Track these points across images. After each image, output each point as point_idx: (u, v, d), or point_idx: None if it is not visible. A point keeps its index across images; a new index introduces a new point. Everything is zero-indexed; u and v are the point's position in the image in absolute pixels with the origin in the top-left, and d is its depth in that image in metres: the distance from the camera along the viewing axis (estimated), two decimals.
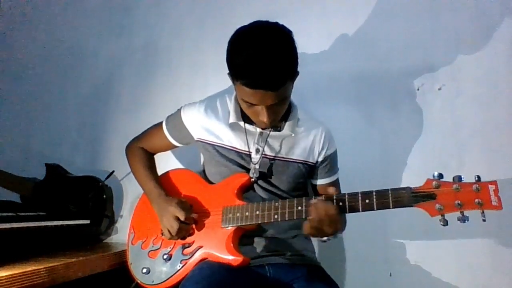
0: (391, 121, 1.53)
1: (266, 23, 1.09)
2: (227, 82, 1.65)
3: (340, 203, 1.04)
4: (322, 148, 1.28)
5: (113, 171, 1.66)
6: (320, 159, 1.28)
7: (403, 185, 1.02)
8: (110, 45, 1.88)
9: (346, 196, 1.04)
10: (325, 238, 1.09)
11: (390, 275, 1.46)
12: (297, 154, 1.26)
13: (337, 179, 1.34)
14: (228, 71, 1.12)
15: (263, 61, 1.02)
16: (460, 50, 1.49)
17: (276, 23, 1.10)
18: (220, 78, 1.68)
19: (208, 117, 1.29)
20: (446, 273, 1.41)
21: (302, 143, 1.27)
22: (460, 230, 1.37)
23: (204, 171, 1.37)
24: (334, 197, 1.05)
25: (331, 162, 1.30)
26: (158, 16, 1.84)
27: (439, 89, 1.50)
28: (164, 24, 1.83)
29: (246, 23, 1.12)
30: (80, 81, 1.89)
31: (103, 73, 1.87)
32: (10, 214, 1.34)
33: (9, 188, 1.61)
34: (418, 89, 1.52)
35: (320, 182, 1.31)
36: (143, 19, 1.86)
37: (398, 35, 1.56)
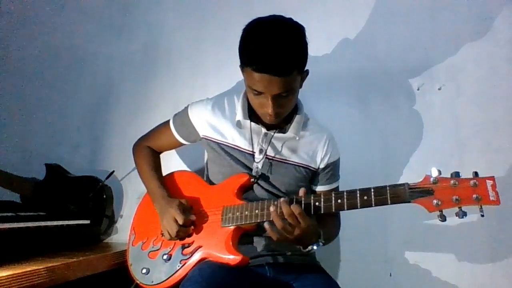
0: (391, 121, 1.53)
1: (281, 17, 1.12)
2: (227, 82, 1.70)
3: (339, 201, 1.04)
4: (325, 155, 1.28)
5: (113, 171, 1.66)
6: (322, 166, 1.28)
7: None
8: (109, 45, 1.88)
9: (345, 193, 1.05)
10: (309, 248, 1.10)
11: (390, 275, 1.46)
12: (300, 157, 1.26)
13: (337, 187, 1.33)
14: (240, 64, 1.14)
15: (272, 46, 1.05)
16: (460, 50, 1.49)
17: (291, 18, 1.13)
18: (220, 78, 1.70)
19: (214, 115, 1.30)
20: (446, 273, 1.41)
21: (305, 147, 1.27)
22: (460, 230, 1.38)
23: (206, 169, 1.37)
24: (333, 194, 1.06)
25: (333, 169, 1.30)
26: (158, 16, 1.84)
27: (439, 89, 1.50)
28: (164, 24, 1.83)
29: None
30: (80, 81, 1.89)
31: (103, 73, 1.87)
32: (10, 214, 1.34)
33: (9, 188, 1.60)
34: (418, 89, 1.52)
35: (319, 188, 1.31)
36: (143, 19, 1.86)
37: (398, 35, 1.56)
